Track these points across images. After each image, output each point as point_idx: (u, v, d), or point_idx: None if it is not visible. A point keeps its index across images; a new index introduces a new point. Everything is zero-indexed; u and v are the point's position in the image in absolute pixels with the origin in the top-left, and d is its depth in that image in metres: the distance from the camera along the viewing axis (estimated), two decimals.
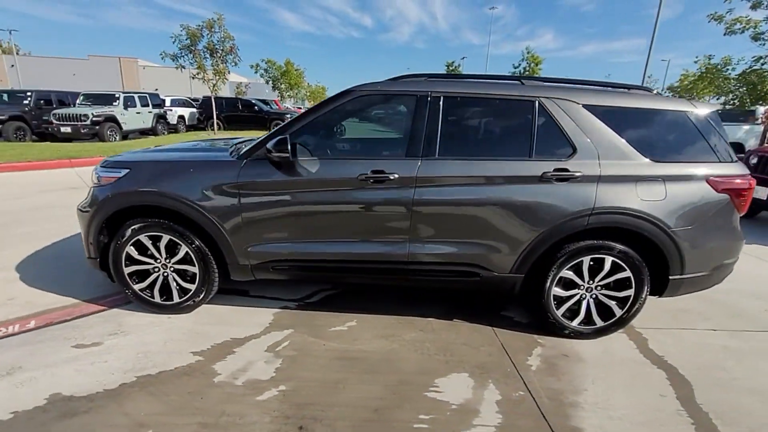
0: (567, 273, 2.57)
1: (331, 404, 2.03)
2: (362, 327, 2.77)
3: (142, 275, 2.75)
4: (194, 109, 18.68)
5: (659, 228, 2.42)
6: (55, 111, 12.37)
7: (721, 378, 2.36)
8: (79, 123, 12.13)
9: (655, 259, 2.54)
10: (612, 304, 2.63)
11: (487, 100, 2.58)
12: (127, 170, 2.63)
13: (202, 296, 2.76)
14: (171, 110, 17.41)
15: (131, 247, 2.66)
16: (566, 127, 2.47)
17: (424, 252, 2.56)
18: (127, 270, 2.71)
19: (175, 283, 2.74)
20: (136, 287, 2.74)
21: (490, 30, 33.83)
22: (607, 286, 2.62)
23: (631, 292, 2.58)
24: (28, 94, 13.03)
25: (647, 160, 2.46)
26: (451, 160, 2.49)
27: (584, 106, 2.50)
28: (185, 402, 2.01)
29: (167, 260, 2.70)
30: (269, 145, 2.38)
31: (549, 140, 2.49)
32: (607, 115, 2.51)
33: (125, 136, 13.95)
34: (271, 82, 29.01)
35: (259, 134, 3.19)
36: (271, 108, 20.09)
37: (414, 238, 2.54)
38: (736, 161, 2.55)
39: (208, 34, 14.32)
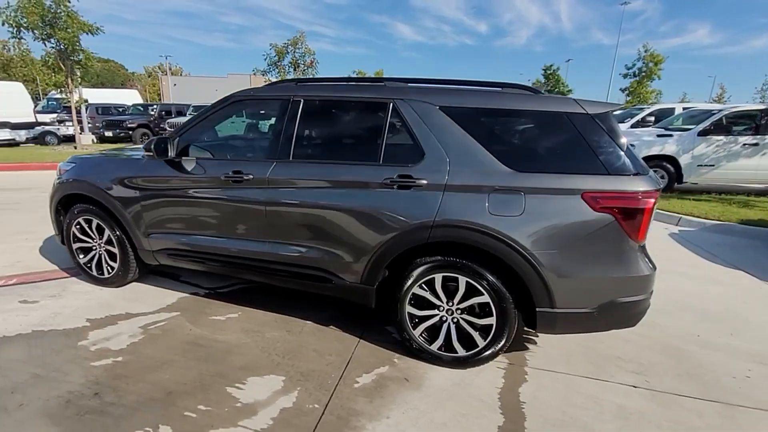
0: (420, 291, 2.35)
1: (140, 380, 2.23)
2: (239, 319, 2.91)
3: (85, 251, 3.33)
4: None
5: (512, 248, 2.07)
6: (168, 120, 15.15)
7: None
8: None
9: (520, 285, 2.17)
10: (474, 333, 2.31)
11: (344, 103, 2.52)
12: (74, 164, 3.24)
13: (122, 274, 3.22)
14: None
15: (75, 227, 3.25)
16: (417, 131, 2.28)
17: (280, 252, 2.60)
18: (74, 246, 3.32)
19: (105, 261, 3.26)
20: (81, 260, 3.33)
21: (620, 28, 30.27)
22: (470, 312, 2.31)
23: (492, 320, 2.24)
24: (155, 106, 16.18)
25: (507, 168, 2.12)
26: (302, 163, 2.50)
27: (441, 108, 2.26)
28: (41, 355, 2.41)
29: (99, 240, 3.23)
30: (144, 144, 2.70)
31: (399, 144, 2.33)
32: (466, 117, 2.24)
33: None
34: None
35: None
36: None
37: (270, 238, 2.61)
38: (636, 174, 2.03)
39: (292, 50, 15.93)
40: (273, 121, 2.58)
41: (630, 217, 1.98)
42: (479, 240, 2.12)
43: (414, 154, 2.28)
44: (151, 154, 2.66)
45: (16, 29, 10.42)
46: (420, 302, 2.38)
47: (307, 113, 2.53)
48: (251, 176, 2.55)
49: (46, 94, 16.78)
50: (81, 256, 3.33)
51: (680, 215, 6.00)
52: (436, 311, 2.37)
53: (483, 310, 2.27)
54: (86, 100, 15.08)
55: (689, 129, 8.00)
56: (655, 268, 2.13)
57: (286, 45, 15.92)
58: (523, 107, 2.18)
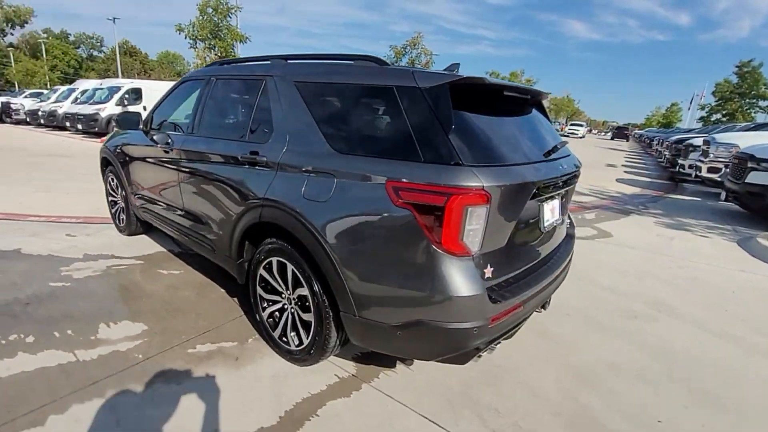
0: (265, 273, 2.27)
1: (61, 302, 2.75)
2: (176, 276, 3.28)
3: (114, 204, 4.21)
4: None
5: (314, 237, 1.83)
6: None
7: None
8: None
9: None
10: (301, 328, 2.13)
11: (237, 81, 2.58)
12: (111, 136, 4.12)
13: (126, 225, 3.97)
14: None
15: (107, 185, 4.15)
16: (272, 107, 2.20)
17: (187, 218, 2.85)
18: (109, 199, 4.23)
19: (121, 213, 4.06)
20: (111, 211, 4.24)
21: None
22: (300, 304, 2.14)
23: (311, 317, 2.02)
24: None
25: (331, 149, 1.88)
26: (198, 138, 2.68)
27: (295, 83, 2.13)
28: (31, 270, 3.19)
29: (118, 196, 4.04)
30: (115, 116, 3.27)
31: (262, 121, 2.28)
32: (310, 93, 2.06)
33: None
34: None
35: None
36: None
37: (181, 204, 2.87)
38: (461, 164, 1.55)
39: (410, 51, 16.36)
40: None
41: (429, 216, 1.53)
42: (291, 224, 1.94)
43: (268, 131, 2.21)
44: (114, 126, 3.23)
45: (193, 41, 13.55)
46: (266, 285, 2.30)
47: (214, 91, 2.69)
48: (171, 148, 2.85)
49: None
50: (112, 208, 4.23)
51: None
52: (279, 297, 2.26)
53: (306, 304, 2.07)
54: None
55: None
56: (483, 290, 1.59)
57: (405, 46, 16.44)
58: (359, 81, 1.88)
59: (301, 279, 2.01)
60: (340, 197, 1.78)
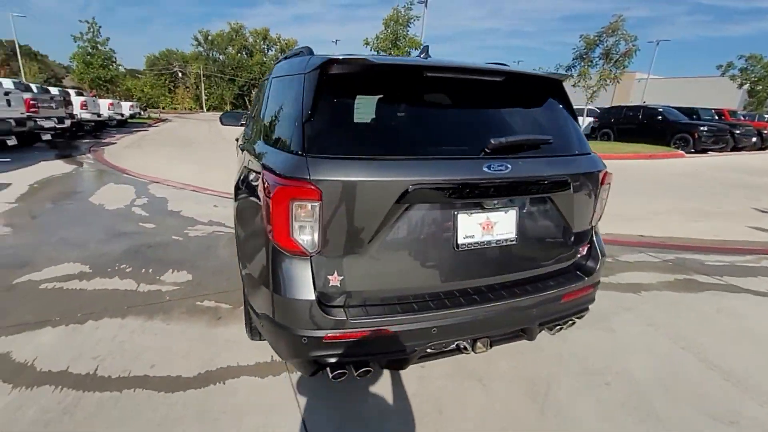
0: None
1: (168, 250, 3.77)
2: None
3: None
4: (591, 119, 18.36)
5: (236, 221, 1.98)
6: None
7: None
8: None
9: None
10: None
11: (265, 81, 2.86)
12: None
13: None
14: None
15: None
16: (262, 103, 2.42)
17: None
18: None
19: None
20: None
21: None
22: None
23: None
24: None
25: (261, 139, 1.98)
26: (247, 130, 3.13)
27: (272, 79, 2.29)
28: (172, 225, 4.45)
29: None
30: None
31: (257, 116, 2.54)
32: (273, 87, 2.18)
33: None
34: (748, 85, 21.64)
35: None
36: (696, 119, 15.83)
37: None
38: (301, 154, 1.40)
39: (605, 39, 13.85)
40: None
41: (265, 207, 1.44)
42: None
43: (257, 125, 2.45)
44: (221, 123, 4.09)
45: (376, 53, 15.28)
46: None
47: (261, 90, 3.11)
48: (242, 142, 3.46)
49: None
50: None
51: None
52: None
53: None
54: None
55: None
56: (313, 296, 1.38)
57: (600, 34, 13.94)
58: (286, 74, 1.89)
59: None
60: (246, 184, 1.86)
